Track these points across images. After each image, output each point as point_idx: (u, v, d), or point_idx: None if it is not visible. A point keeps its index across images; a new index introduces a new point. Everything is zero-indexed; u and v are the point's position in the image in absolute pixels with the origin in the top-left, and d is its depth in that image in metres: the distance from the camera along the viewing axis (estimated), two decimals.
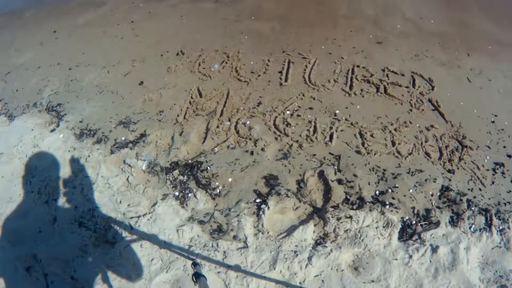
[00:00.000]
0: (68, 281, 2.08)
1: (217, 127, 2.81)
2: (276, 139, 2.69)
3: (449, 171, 2.41)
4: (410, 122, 2.72)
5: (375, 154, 2.52)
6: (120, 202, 2.41)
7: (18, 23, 4.72)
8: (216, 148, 2.67)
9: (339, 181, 2.37)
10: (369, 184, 2.35)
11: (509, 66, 3.24)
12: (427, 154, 2.51)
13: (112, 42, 4.00)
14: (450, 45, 3.51)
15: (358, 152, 2.55)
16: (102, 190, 2.50)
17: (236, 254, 2.06)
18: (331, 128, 2.71)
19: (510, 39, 3.55)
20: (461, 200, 2.22)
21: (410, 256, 1.98)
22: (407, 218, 2.17)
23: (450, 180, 2.35)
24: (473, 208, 2.18)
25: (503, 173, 2.39)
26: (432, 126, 2.69)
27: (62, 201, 2.46)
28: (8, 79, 3.74)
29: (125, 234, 2.22)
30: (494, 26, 3.72)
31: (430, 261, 1.97)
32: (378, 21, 3.86)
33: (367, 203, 2.23)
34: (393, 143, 2.59)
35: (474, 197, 2.25)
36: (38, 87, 3.52)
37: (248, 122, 2.83)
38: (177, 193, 2.42)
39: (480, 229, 2.09)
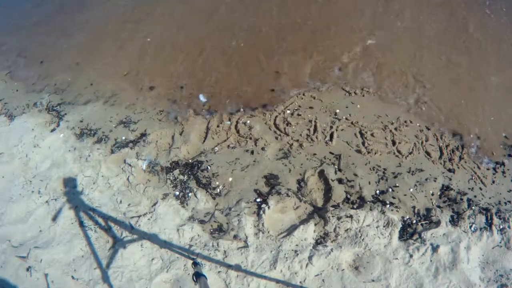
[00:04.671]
0: (68, 281, 2.08)
1: (218, 126, 2.81)
2: (276, 138, 2.69)
3: (449, 170, 2.40)
4: (411, 121, 2.72)
5: (375, 153, 2.52)
6: (121, 201, 2.41)
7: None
8: (216, 148, 2.67)
9: (340, 181, 2.37)
10: (369, 183, 2.35)
11: (509, 65, 3.23)
12: (428, 153, 2.51)
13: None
14: (450, 42, 3.50)
15: (359, 151, 2.55)
16: (102, 189, 2.50)
17: (236, 253, 2.06)
18: (331, 127, 2.71)
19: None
20: (461, 199, 2.22)
21: (411, 256, 1.98)
22: (407, 217, 2.17)
23: (450, 179, 2.35)
24: (473, 207, 2.18)
25: (503, 172, 2.39)
26: (432, 125, 2.69)
27: (62, 201, 2.46)
28: (8, 79, 3.74)
29: (125, 233, 2.22)
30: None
31: (431, 261, 1.97)
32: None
33: (368, 203, 2.23)
34: (394, 142, 2.58)
35: (475, 196, 2.25)
36: (38, 86, 3.53)
37: (248, 122, 2.83)
38: (177, 193, 2.42)
39: (480, 229, 2.09)
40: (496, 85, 2.94)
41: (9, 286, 2.08)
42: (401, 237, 2.09)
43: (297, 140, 2.64)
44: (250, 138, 2.70)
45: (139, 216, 2.30)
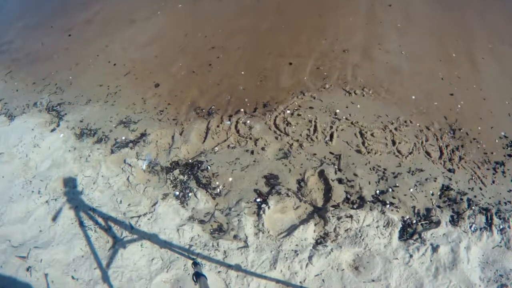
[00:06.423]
0: (68, 281, 2.08)
1: (218, 126, 2.81)
2: (276, 138, 2.68)
3: (449, 170, 2.40)
4: (411, 121, 2.72)
5: (375, 153, 2.52)
6: (121, 201, 2.41)
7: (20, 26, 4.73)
8: (216, 148, 2.67)
9: (340, 181, 2.37)
10: (369, 183, 2.35)
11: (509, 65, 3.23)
12: (428, 153, 2.51)
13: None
14: (450, 42, 3.50)
15: (359, 151, 2.55)
16: (102, 189, 2.50)
17: (236, 253, 2.06)
18: (331, 127, 2.71)
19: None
20: (461, 199, 2.22)
21: (411, 256, 1.98)
22: (407, 217, 2.17)
23: (450, 179, 2.35)
24: (473, 207, 2.18)
25: (503, 172, 2.39)
26: (432, 125, 2.69)
27: (62, 201, 2.46)
28: (8, 78, 3.74)
29: (125, 233, 2.22)
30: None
31: (431, 261, 1.97)
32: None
33: (368, 203, 2.23)
34: (394, 142, 2.58)
35: (475, 196, 2.25)
36: (38, 86, 3.52)
37: (248, 121, 2.82)
38: (177, 193, 2.42)
39: (480, 229, 2.09)
40: (496, 84, 2.95)
41: (9, 286, 2.08)
42: (401, 237, 2.08)
43: (297, 140, 2.64)
44: (250, 138, 2.70)
45: (139, 216, 2.30)
